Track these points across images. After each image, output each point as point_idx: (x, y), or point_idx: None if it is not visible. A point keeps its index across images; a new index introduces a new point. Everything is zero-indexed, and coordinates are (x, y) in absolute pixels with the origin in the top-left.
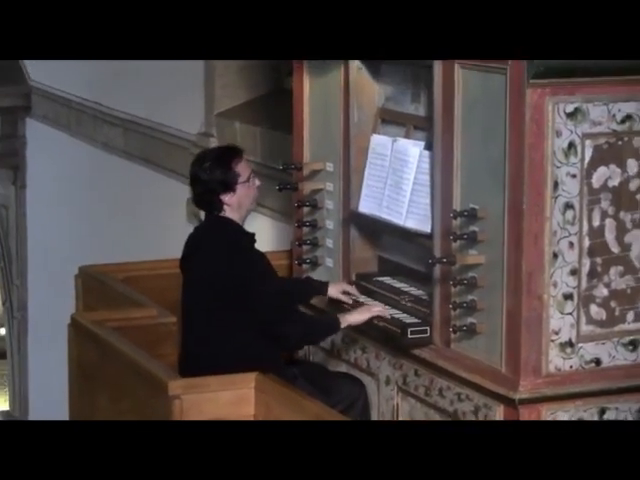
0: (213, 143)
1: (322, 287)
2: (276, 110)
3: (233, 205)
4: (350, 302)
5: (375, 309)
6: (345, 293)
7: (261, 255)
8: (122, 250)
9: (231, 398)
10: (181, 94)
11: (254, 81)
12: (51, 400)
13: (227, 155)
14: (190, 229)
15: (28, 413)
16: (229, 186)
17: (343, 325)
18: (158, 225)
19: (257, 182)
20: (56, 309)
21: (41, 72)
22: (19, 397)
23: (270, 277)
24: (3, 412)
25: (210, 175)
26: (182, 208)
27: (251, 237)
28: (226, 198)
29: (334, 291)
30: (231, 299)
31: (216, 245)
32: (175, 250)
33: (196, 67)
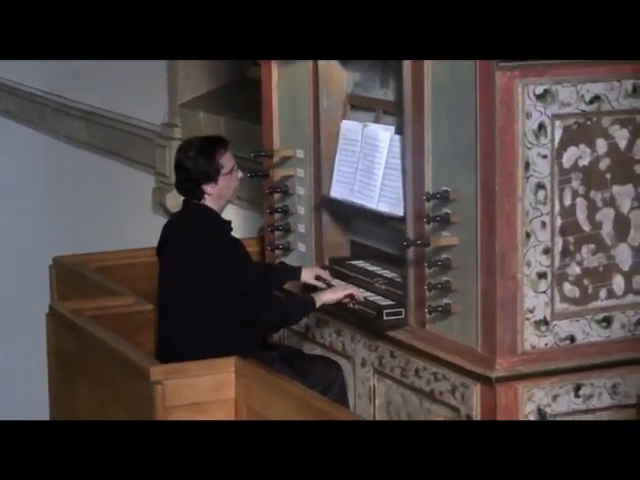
0: (177, 133)
1: (295, 272)
2: (239, 99)
3: (214, 195)
4: (324, 287)
5: (349, 288)
6: (318, 278)
7: (238, 242)
8: (89, 241)
9: (212, 383)
10: (144, 85)
11: (216, 71)
12: (16, 392)
13: (212, 145)
14: (156, 219)
15: None
16: (211, 176)
17: (318, 304)
18: (124, 216)
19: (239, 174)
20: (23, 302)
21: (2, 66)
22: None
23: (246, 264)
24: None
25: (194, 164)
26: (148, 198)
27: (228, 224)
28: (208, 188)
29: (307, 276)
30: (208, 286)
31: (193, 232)
32: (142, 240)
33: None
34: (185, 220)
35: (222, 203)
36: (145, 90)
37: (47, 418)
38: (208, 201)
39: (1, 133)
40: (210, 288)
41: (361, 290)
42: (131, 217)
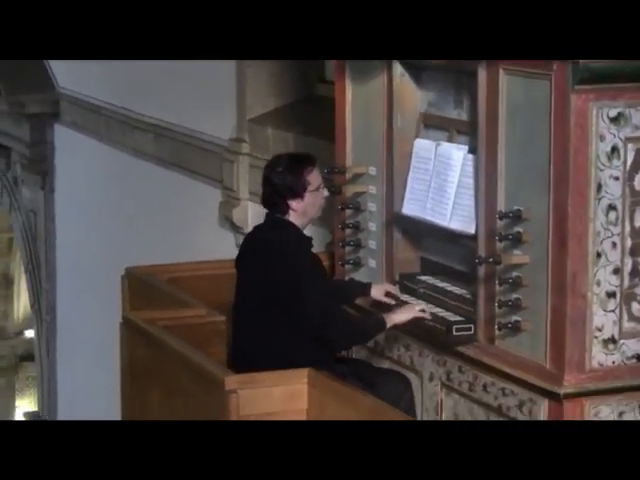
0: (245, 148)
1: (365, 288)
2: (307, 116)
3: (299, 211)
4: (393, 303)
5: (419, 307)
6: (388, 294)
7: (317, 259)
8: (157, 253)
9: (284, 393)
10: (212, 101)
11: (284, 88)
12: (79, 402)
13: (300, 162)
14: (222, 232)
15: (57, 414)
16: (297, 192)
17: (389, 325)
18: (191, 229)
19: (325, 193)
20: (86, 312)
21: (69, 79)
22: (47, 399)
23: (322, 281)
24: (32, 413)
25: (281, 179)
26: (215, 212)
27: (309, 241)
28: (293, 204)
29: (377, 292)
30: (284, 300)
31: (274, 246)
32: (208, 253)
33: (227, 74)
34: (267, 234)
35: (305, 220)
36: (214, 105)
37: None
38: (292, 217)
39: (67, 144)
40: (286, 303)
41: (430, 306)
42: (198, 230)
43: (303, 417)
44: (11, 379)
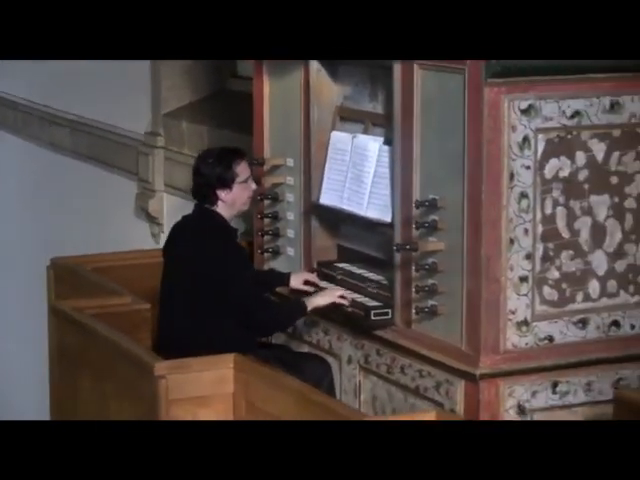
0: (160, 142)
1: (284, 278)
2: (220, 110)
3: (227, 202)
4: (312, 290)
5: (338, 292)
6: (307, 282)
7: (242, 248)
8: (73, 245)
9: (212, 378)
10: (127, 95)
11: (198, 83)
12: (13, 385)
13: (229, 155)
14: (138, 223)
15: None
16: (226, 183)
17: (309, 308)
18: (108, 220)
19: (253, 186)
20: (8, 302)
21: None
22: None
23: (247, 268)
24: None
25: (211, 170)
26: (131, 203)
27: (234, 231)
28: (222, 194)
29: (296, 282)
30: (210, 286)
31: (200, 235)
32: (125, 243)
33: (141, 69)
34: (194, 223)
35: (233, 212)
36: (129, 100)
37: (47, 412)
38: (220, 208)
39: None
40: (212, 289)
41: (348, 292)
42: (115, 221)
43: (230, 400)
44: None
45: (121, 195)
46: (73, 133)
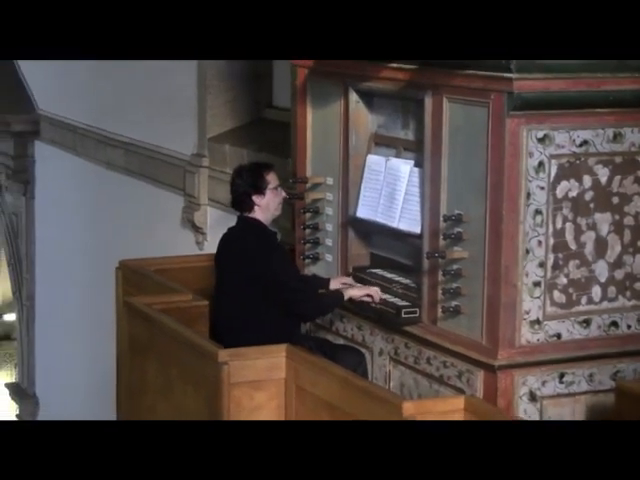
0: (205, 162)
1: (326, 281)
2: (258, 135)
3: (262, 206)
4: None
5: (373, 288)
6: (344, 284)
7: (283, 248)
8: (129, 251)
9: (267, 364)
10: (176, 122)
11: (238, 111)
12: (55, 374)
13: (260, 166)
14: (184, 232)
15: (35, 385)
16: (259, 189)
17: (346, 297)
18: (157, 229)
19: (283, 193)
20: (61, 299)
21: (47, 101)
22: (27, 372)
23: (289, 265)
24: (13, 384)
25: (245, 179)
26: (178, 215)
27: (274, 234)
28: (257, 199)
29: (335, 284)
30: (258, 284)
31: (246, 240)
32: (172, 249)
33: (189, 98)
34: (239, 231)
35: (269, 216)
36: (178, 126)
37: (114, 398)
38: (257, 212)
39: (46, 158)
40: (260, 286)
41: (380, 292)
42: (163, 230)
43: (282, 384)
44: None
45: (169, 208)
46: (127, 154)
